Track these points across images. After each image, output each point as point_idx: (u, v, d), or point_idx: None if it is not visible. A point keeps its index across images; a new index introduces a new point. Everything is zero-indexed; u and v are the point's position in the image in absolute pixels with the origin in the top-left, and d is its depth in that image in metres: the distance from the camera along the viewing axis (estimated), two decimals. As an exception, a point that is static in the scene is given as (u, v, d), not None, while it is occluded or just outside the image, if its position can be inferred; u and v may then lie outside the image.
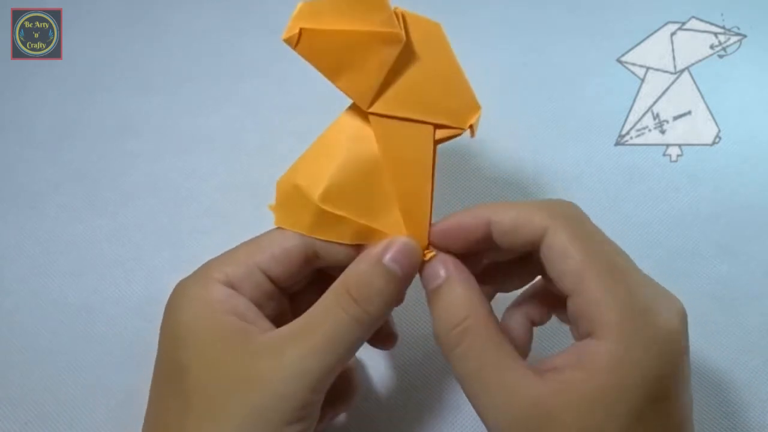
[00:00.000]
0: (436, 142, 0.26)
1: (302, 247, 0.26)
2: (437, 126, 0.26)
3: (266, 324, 0.25)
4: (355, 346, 0.24)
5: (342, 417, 0.34)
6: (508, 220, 0.25)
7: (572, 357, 0.23)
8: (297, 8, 0.24)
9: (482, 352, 0.23)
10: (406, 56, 0.25)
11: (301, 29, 0.24)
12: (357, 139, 0.26)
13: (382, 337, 0.30)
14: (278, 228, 0.27)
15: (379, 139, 0.26)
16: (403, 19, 0.25)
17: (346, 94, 0.25)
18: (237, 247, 0.27)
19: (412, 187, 0.26)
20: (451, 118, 0.26)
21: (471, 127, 0.26)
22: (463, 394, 0.24)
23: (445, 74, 0.26)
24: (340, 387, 0.30)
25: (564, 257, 0.23)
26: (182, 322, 0.24)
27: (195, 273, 0.26)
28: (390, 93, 0.25)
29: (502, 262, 0.28)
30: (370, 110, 0.25)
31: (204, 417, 0.23)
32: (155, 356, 0.26)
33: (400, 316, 0.36)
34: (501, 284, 0.29)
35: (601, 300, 0.22)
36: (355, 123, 0.26)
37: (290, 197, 0.26)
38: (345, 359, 0.24)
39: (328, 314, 0.24)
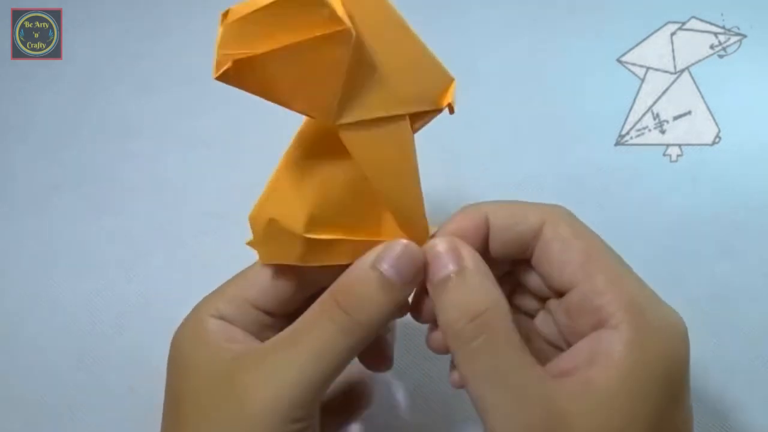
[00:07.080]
0: (415, 130, 0.23)
1: (293, 277, 0.25)
2: (413, 115, 0.22)
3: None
4: (345, 358, 0.23)
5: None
6: (504, 217, 0.24)
7: (582, 355, 0.21)
8: (220, 32, 0.19)
9: (500, 350, 0.21)
10: (360, 49, 0.20)
11: (233, 62, 0.19)
12: (324, 152, 0.23)
13: (374, 358, 0.28)
14: None
15: (353, 149, 0.22)
16: (341, 2, 0.20)
17: (308, 115, 0.22)
18: (227, 283, 0.26)
19: (400, 187, 0.23)
20: (425, 103, 0.22)
21: (449, 105, 0.23)
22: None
23: (406, 53, 0.22)
24: (349, 396, 0.29)
25: (566, 248, 0.23)
26: (181, 355, 0.24)
27: (191, 312, 0.25)
28: (354, 98, 0.21)
29: None
30: (338, 123, 0.21)
31: None
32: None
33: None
34: None
35: (608, 288, 0.22)
36: (317, 135, 0.23)
37: (270, 233, 0.23)
38: (334, 372, 0.23)
39: (312, 325, 0.23)
